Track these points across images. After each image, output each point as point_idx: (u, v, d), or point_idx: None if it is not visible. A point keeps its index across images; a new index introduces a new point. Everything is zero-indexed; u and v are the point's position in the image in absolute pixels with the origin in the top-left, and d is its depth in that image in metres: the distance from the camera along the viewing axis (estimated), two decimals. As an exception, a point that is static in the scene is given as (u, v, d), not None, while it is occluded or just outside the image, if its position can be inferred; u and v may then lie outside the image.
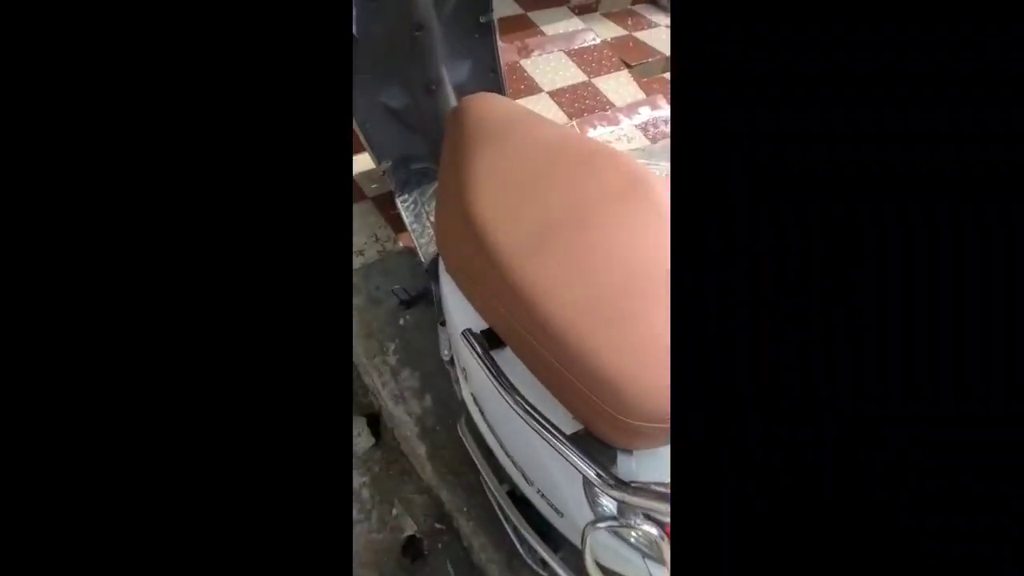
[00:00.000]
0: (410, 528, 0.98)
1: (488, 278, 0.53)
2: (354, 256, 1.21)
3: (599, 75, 1.83)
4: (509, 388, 0.50)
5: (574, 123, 1.65)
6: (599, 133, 1.66)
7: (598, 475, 0.43)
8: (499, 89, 1.05)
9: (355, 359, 1.11)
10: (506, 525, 0.68)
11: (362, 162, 1.41)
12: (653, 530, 0.44)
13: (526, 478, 0.60)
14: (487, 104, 0.68)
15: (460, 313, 0.63)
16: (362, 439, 1.07)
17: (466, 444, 0.77)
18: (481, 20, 0.94)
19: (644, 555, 0.48)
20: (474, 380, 0.65)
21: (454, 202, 0.59)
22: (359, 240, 1.24)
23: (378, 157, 1.03)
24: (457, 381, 0.83)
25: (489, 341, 0.55)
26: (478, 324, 0.58)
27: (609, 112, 1.72)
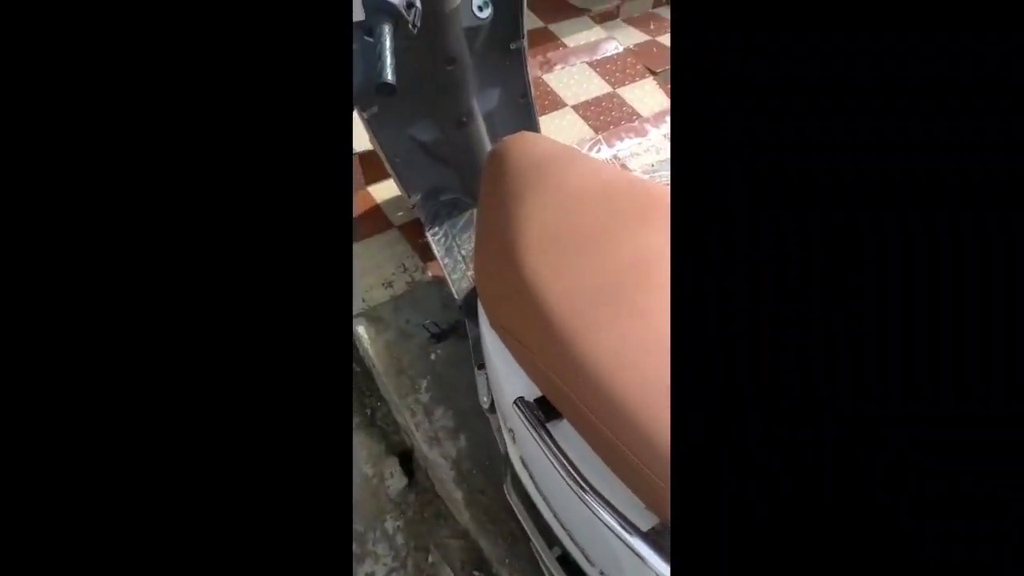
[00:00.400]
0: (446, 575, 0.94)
1: (542, 344, 0.48)
2: (383, 288, 1.19)
3: (624, 85, 1.78)
4: (571, 469, 0.45)
5: (600, 137, 1.60)
6: (626, 146, 1.60)
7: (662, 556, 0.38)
8: (530, 114, 1.01)
9: (387, 396, 1.08)
10: None
11: (387, 190, 1.39)
12: None
13: (588, 558, 0.55)
14: (528, 144, 0.64)
15: (508, 375, 0.59)
16: (395, 480, 1.04)
17: (512, 504, 0.72)
18: (511, 47, 0.90)
19: None
20: (526, 447, 0.61)
21: (500, 255, 0.55)
22: (387, 271, 1.22)
23: (408, 191, 1.00)
24: (498, 430, 0.79)
25: (544, 411, 0.50)
26: (530, 390, 0.53)
27: (636, 123, 1.66)
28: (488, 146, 0.98)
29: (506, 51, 0.91)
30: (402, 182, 0.98)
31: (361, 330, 1.10)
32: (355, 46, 0.65)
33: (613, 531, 0.42)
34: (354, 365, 1.18)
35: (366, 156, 1.34)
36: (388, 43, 0.57)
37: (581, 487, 0.44)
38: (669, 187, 0.61)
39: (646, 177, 1.54)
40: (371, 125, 0.89)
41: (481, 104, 0.93)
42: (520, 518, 0.71)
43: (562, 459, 0.46)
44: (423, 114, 0.90)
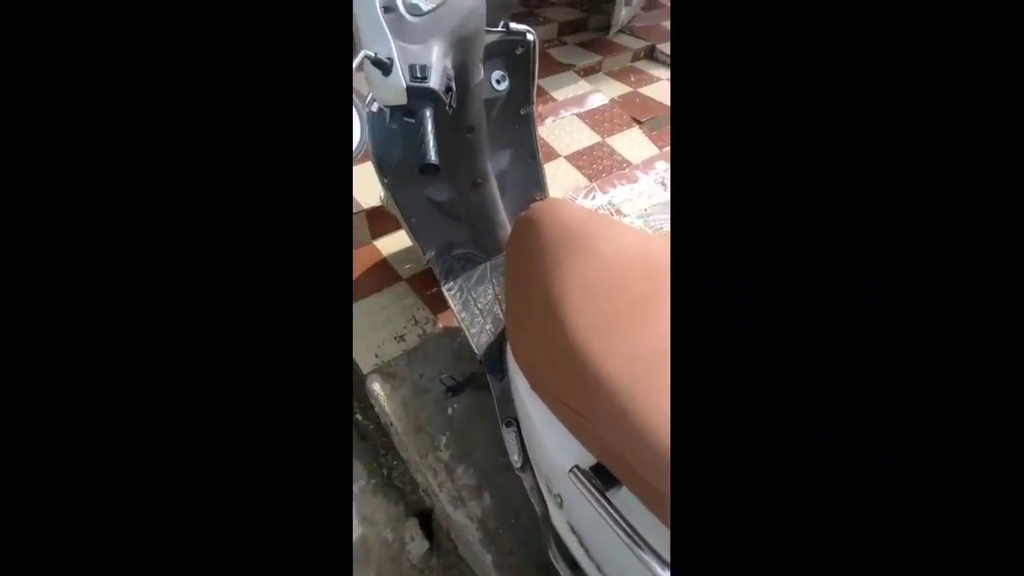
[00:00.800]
0: (478, 645, 0.90)
1: (598, 411, 0.49)
2: (395, 342, 1.18)
3: (612, 134, 1.86)
4: (636, 538, 0.46)
5: (595, 185, 1.66)
6: (619, 192, 1.67)
7: None
8: (538, 172, 1.06)
9: (405, 455, 1.06)
10: None
11: (393, 243, 1.41)
12: None
13: None
14: (560, 210, 0.67)
15: (557, 441, 0.59)
16: (416, 543, 1.00)
17: (560, 571, 0.71)
18: (522, 112, 0.95)
19: None
20: (578, 513, 0.60)
21: (542, 319, 0.57)
22: (398, 324, 1.22)
23: (423, 248, 1.02)
24: (532, 490, 0.78)
25: (602, 479, 0.51)
26: (582, 457, 0.54)
27: (627, 170, 1.73)
28: (500, 204, 1.01)
29: (517, 116, 0.96)
30: (418, 240, 1.00)
31: (377, 387, 1.09)
32: (393, 126, 0.68)
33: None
34: (368, 423, 1.15)
35: (372, 212, 1.36)
36: (430, 127, 0.60)
37: (646, 554, 0.44)
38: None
39: (640, 222, 1.60)
40: (390, 188, 0.92)
41: (493, 165, 0.97)
42: None
43: (626, 527, 0.47)
44: (441, 177, 0.93)
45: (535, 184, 1.07)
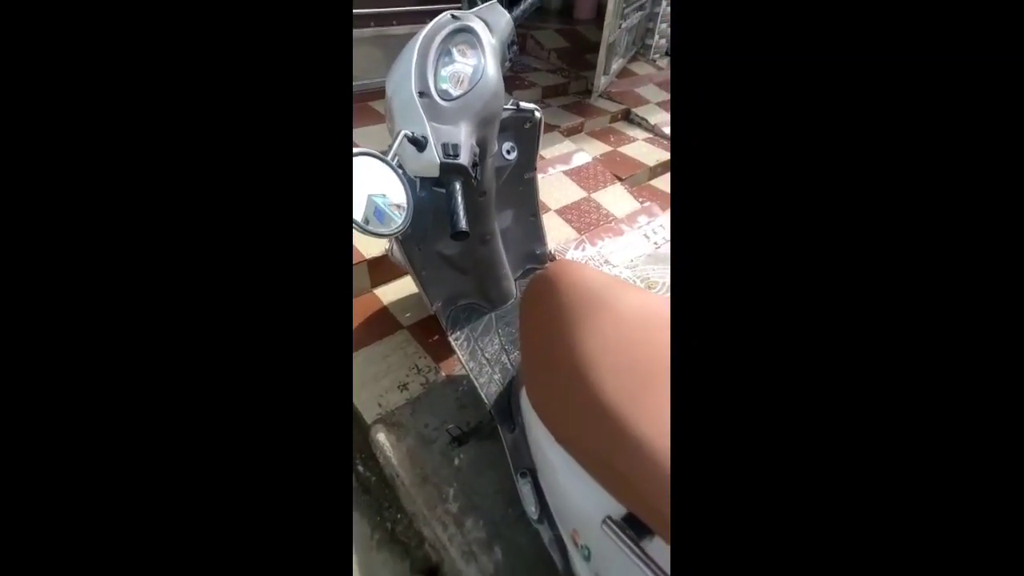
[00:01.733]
0: None
1: (632, 465, 0.53)
2: (398, 391, 1.18)
3: (596, 190, 1.98)
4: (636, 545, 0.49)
5: (584, 237, 1.75)
6: (607, 244, 1.76)
7: None
8: (538, 229, 1.13)
9: (411, 508, 1.04)
10: None
11: (393, 292, 1.43)
12: None
13: None
14: (575, 272, 0.72)
15: (586, 493, 0.62)
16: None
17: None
18: (526, 176, 1.03)
19: None
20: (608, 567, 0.62)
21: (568, 377, 0.60)
22: (400, 373, 1.22)
23: (431, 299, 1.06)
24: (551, 543, 0.79)
25: (635, 529, 0.53)
26: (612, 508, 0.56)
27: (613, 224, 1.84)
28: (504, 258, 1.07)
29: (522, 179, 1.05)
30: (427, 291, 1.04)
31: (381, 437, 1.08)
32: (422, 193, 0.73)
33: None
34: (370, 475, 1.13)
35: (374, 262, 1.39)
36: (460, 199, 0.66)
37: None
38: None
39: (628, 272, 1.68)
40: (403, 245, 0.96)
41: (499, 222, 1.03)
42: None
43: (660, 571, 0.49)
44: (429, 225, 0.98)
45: (535, 239, 1.15)
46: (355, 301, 1.39)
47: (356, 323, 1.33)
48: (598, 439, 0.57)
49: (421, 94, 0.70)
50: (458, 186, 0.68)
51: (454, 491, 1.03)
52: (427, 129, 0.68)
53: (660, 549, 0.53)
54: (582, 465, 0.62)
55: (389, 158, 0.63)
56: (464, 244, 1.00)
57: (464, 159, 0.68)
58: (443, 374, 1.23)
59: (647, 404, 0.55)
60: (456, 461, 1.08)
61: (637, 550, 0.51)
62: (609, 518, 0.55)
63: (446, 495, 1.02)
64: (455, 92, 0.72)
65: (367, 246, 1.39)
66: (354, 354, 1.25)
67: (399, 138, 0.66)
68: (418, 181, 0.72)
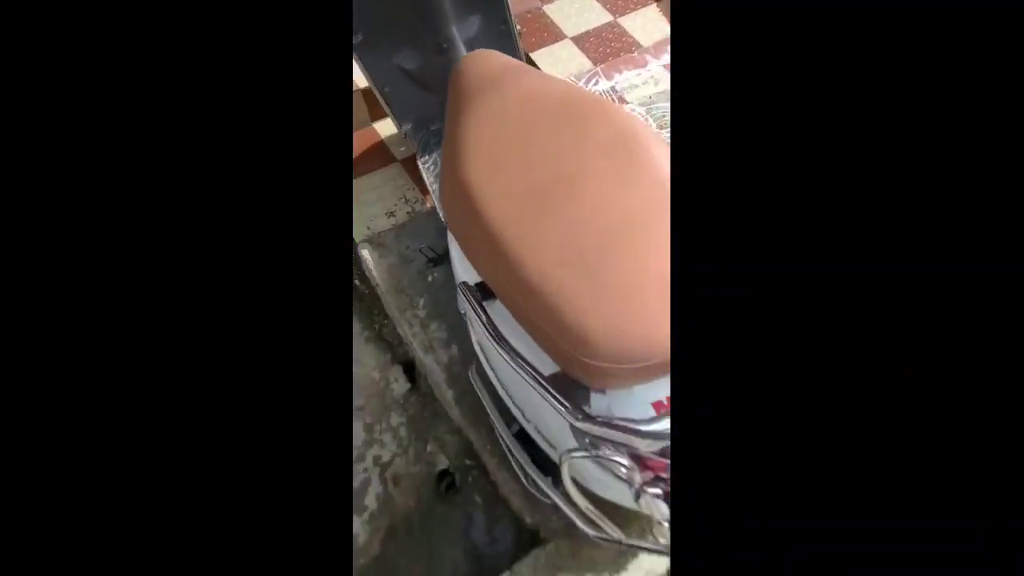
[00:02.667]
0: (443, 463, 1.10)
1: (479, 238, 0.58)
2: (386, 217, 1.29)
3: (625, 13, 1.74)
4: (499, 336, 0.56)
5: (598, 69, 1.60)
6: (625, 78, 1.60)
7: (567, 410, 0.49)
8: (512, 42, 1.05)
9: (389, 312, 1.21)
10: (513, 463, 0.77)
11: (391, 126, 1.46)
12: (623, 460, 0.50)
13: (524, 417, 0.67)
14: (484, 61, 0.71)
15: (460, 268, 0.69)
16: (398, 384, 1.18)
17: (476, 389, 0.84)
18: None
19: (617, 477, 0.54)
20: (476, 330, 0.72)
21: (449, 164, 0.64)
22: (390, 202, 1.31)
23: (399, 120, 1.07)
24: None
25: (483, 293, 0.61)
26: (474, 278, 0.64)
27: (635, 54, 1.65)
28: None
29: None
30: (392, 110, 1.04)
31: (366, 253, 1.21)
32: None
33: (526, 379, 0.53)
34: (364, 288, 1.30)
35: (369, 93, 1.40)
36: None
37: (504, 349, 0.55)
38: (608, 100, 0.67)
39: (642, 109, 1.55)
40: (357, 53, 0.95)
41: (461, 31, 0.97)
42: (482, 399, 0.83)
43: (493, 328, 0.57)
44: (405, 42, 0.95)
45: (509, 53, 1.07)
46: (355, 135, 1.45)
47: (355, 156, 1.41)
48: (460, 213, 0.63)
49: None
50: None
51: (424, 300, 1.17)
52: None
53: (499, 310, 0.61)
54: (457, 241, 0.68)
55: None
56: (421, 54, 0.97)
57: None
58: (428, 205, 1.31)
59: (503, 181, 0.58)
60: (430, 278, 1.20)
61: (480, 309, 0.59)
62: (464, 283, 0.63)
63: (416, 303, 1.16)
64: None
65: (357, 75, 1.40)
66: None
67: None
68: None
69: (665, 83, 1.61)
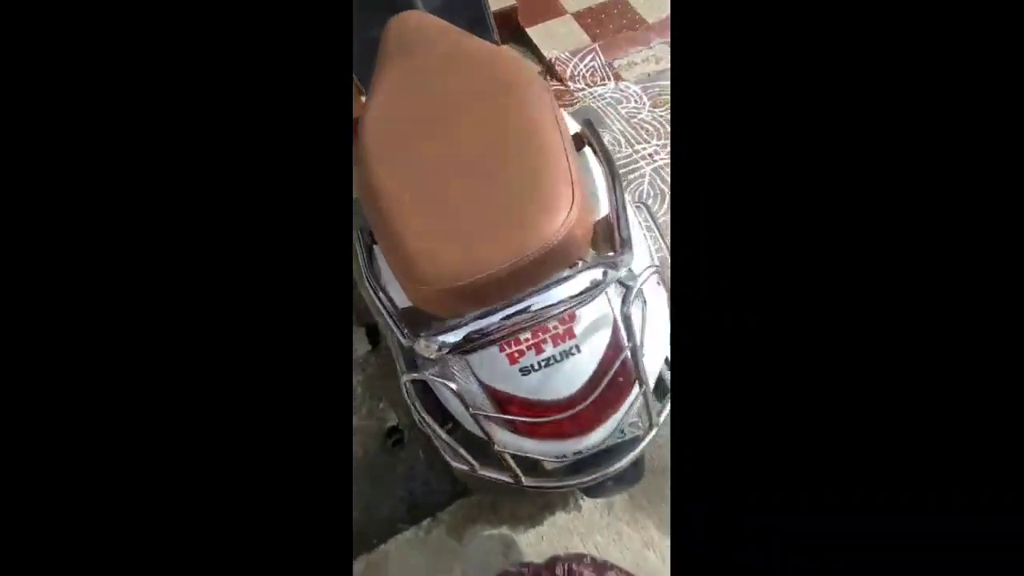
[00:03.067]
0: (393, 420, 1.16)
1: (360, 177, 0.63)
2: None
3: (635, -11, 1.68)
4: (372, 276, 0.61)
5: (596, 46, 1.57)
6: (625, 56, 1.56)
7: (403, 334, 0.53)
8: (482, 11, 1.03)
9: (355, 278, 1.27)
10: (411, 407, 0.81)
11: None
12: (450, 383, 0.55)
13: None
14: (405, 23, 0.73)
15: (362, 219, 0.74)
16: (360, 346, 1.25)
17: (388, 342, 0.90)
18: None
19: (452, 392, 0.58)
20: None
21: (361, 120, 0.68)
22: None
23: (365, 89, 1.10)
24: None
25: (371, 239, 0.66)
26: (365, 226, 0.69)
27: (639, 31, 1.59)
28: None
29: None
30: (359, 77, 1.07)
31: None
32: None
33: (382, 311, 0.60)
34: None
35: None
36: None
37: (374, 287, 0.60)
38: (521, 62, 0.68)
39: (639, 87, 1.50)
40: None
41: (426, 2, 0.97)
42: (392, 352, 0.88)
43: (369, 268, 0.62)
44: (363, 4, 0.96)
45: (480, 26, 1.06)
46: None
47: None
48: (357, 155, 0.66)
49: None
50: None
51: (386, 267, 1.22)
52: None
53: (378, 253, 0.67)
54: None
55: None
56: (378, 21, 0.98)
57: None
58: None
59: (384, 124, 0.62)
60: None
61: (365, 252, 0.66)
62: (360, 228, 0.68)
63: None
64: None
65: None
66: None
67: None
68: None
69: (666, 62, 1.55)
